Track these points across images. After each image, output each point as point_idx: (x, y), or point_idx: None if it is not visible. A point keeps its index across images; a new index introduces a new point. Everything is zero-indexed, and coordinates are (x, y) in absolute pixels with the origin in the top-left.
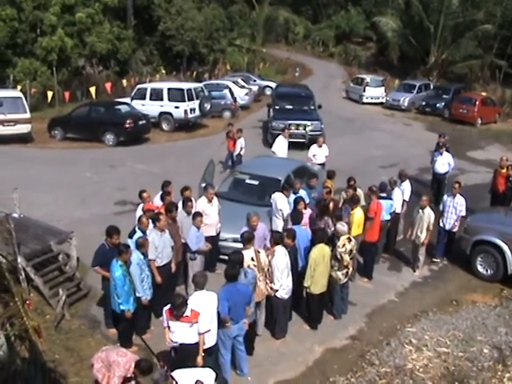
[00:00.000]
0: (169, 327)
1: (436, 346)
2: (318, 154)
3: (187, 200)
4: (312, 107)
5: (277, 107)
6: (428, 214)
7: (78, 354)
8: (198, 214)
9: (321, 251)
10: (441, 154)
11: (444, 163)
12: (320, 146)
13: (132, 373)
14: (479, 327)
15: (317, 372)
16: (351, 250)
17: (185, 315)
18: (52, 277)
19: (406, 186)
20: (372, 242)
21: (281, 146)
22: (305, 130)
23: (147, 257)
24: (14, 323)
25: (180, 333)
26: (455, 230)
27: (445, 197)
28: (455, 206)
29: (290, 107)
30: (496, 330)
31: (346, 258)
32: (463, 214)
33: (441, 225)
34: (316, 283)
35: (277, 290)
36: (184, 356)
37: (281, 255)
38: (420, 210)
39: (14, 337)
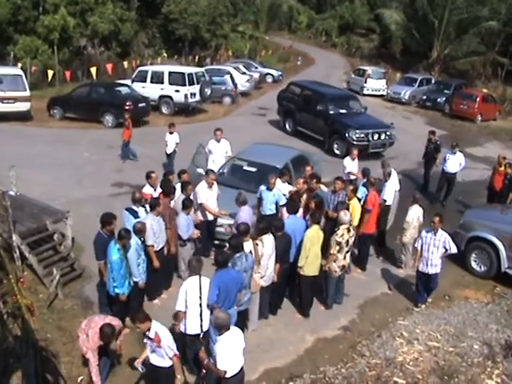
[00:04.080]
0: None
1: (427, 340)
2: (353, 170)
3: (186, 183)
4: (363, 110)
5: (331, 112)
6: (408, 212)
7: (69, 334)
8: (189, 202)
9: (316, 232)
10: (454, 153)
11: (456, 163)
12: (353, 159)
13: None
14: (470, 323)
15: (307, 361)
16: (348, 241)
17: (148, 334)
18: (46, 256)
19: (393, 176)
20: (369, 234)
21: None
22: (385, 138)
23: (143, 241)
24: (7, 301)
25: (153, 354)
26: (438, 271)
27: (423, 233)
28: (437, 245)
29: (344, 111)
30: (487, 326)
31: (336, 249)
32: (454, 251)
33: (420, 268)
34: (310, 264)
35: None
36: (158, 379)
37: (268, 244)
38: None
39: (7, 314)
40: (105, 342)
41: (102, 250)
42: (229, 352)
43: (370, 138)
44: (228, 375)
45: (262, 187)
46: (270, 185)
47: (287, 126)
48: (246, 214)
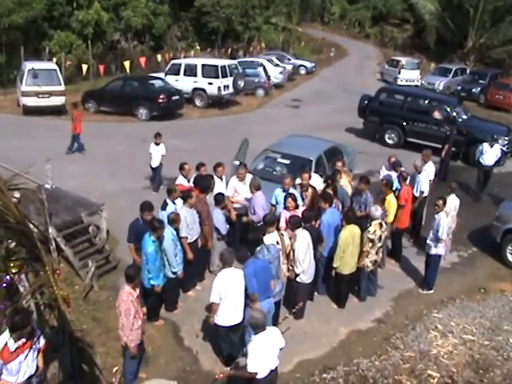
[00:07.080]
0: None
1: (462, 334)
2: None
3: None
4: (470, 114)
5: (460, 120)
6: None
7: (105, 325)
8: (222, 197)
9: (351, 232)
10: (491, 145)
11: (493, 156)
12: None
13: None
14: (506, 316)
15: (341, 353)
16: (381, 236)
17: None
18: (82, 248)
19: (430, 167)
20: (403, 229)
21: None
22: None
23: (178, 232)
24: (44, 292)
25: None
26: (432, 252)
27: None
28: (437, 227)
29: (465, 117)
30: None
31: (369, 245)
32: (443, 236)
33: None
34: (346, 264)
35: (298, 275)
36: None
37: (302, 239)
38: None
39: (44, 305)
40: (131, 280)
41: (132, 234)
42: (260, 353)
43: None
44: (259, 376)
45: (277, 191)
46: (285, 186)
47: (388, 139)
48: (260, 199)
